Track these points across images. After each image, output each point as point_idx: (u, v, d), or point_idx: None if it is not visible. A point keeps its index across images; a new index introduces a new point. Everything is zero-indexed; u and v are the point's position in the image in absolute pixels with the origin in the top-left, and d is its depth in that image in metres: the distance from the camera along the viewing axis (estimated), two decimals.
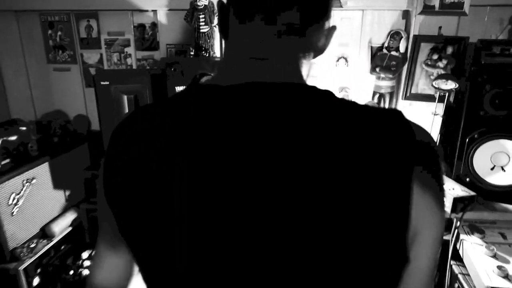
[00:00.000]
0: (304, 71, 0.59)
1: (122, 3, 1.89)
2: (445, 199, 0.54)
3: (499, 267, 1.17)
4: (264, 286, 0.48)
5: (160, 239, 0.51)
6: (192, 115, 0.50)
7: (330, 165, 0.45)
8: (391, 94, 1.75)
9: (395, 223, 0.46)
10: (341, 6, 1.70)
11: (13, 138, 1.46)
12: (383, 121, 0.48)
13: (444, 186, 0.53)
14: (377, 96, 1.78)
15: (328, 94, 0.52)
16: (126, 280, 0.67)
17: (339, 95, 1.62)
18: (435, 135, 1.62)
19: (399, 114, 0.49)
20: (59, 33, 2.04)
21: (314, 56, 0.62)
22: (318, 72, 1.85)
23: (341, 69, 1.84)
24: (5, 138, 1.43)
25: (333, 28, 0.61)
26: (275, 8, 0.53)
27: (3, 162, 1.41)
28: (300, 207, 0.45)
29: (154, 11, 1.92)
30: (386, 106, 1.77)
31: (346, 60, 1.83)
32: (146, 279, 0.59)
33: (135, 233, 0.55)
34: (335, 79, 1.85)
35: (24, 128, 1.52)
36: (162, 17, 1.93)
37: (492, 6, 1.67)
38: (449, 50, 1.52)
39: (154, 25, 1.94)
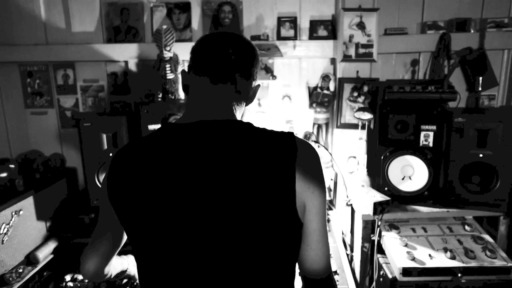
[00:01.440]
0: (238, 112, 0.94)
1: (97, 55, 2.18)
2: (324, 183, 0.86)
3: (408, 252, 1.53)
4: (210, 248, 0.79)
5: (145, 225, 0.83)
6: (164, 144, 0.84)
7: (244, 169, 0.78)
8: (327, 125, 2.15)
9: (287, 200, 0.79)
10: (281, 56, 2.12)
11: (4, 175, 1.66)
12: (279, 138, 0.83)
13: (324, 175, 0.87)
14: (316, 126, 2.17)
15: (248, 124, 0.87)
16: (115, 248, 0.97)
17: (285, 126, 2.00)
18: (363, 155, 2.02)
19: (290, 133, 0.84)
20: (37, 81, 2.28)
21: (246, 104, 0.98)
22: (267, 108, 2.23)
23: (286, 105, 2.23)
24: None
25: (258, 86, 0.97)
26: (217, 74, 0.88)
27: None
28: (228, 198, 0.78)
29: (126, 62, 2.23)
30: (323, 134, 2.16)
31: (290, 98, 2.23)
32: (135, 253, 0.90)
33: (129, 221, 0.86)
34: (281, 114, 2.23)
35: (12, 166, 1.73)
36: (132, 66, 2.24)
37: (397, 54, 2.16)
38: (365, 88, 1.96)
39: (125, 73, 2.25)
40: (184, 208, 0.79)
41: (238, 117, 0.95)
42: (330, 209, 2.12)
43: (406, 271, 1.47)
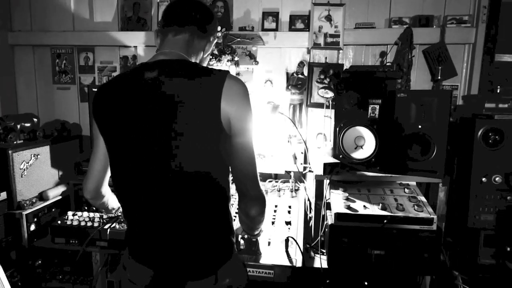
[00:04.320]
0: (194, 58, 1.24)
1: (112, 41, 2.63)
2: (248, 107, 1.10)
3: (345, 203, 1.78)
4: (158, 152, 1.07)
5: (115, 140, 1.13)
6: (131, 78, 1.13)
7: (185, 92, 1.04)
8: (300, 105, 2.45)
9: (214, 113, 1.03)
10: (263, 44, 2.46)
11: (28, 124, 2.10)
12: (216, 72, 1.09)
13: (248, 101, 1.13)
14: (291, 106, 2.48)
15: (194, 63, 1.18)
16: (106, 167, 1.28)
17: (267, 106, 2.32)
18: (329, 131, 2.29)
19: (225, 71, 1.14)
20: (64, 61, 2.75)
21: (204, 54, 1.30)
22: (251, 91, 2.56)
23: (268, 89, 2.56)
24: (22, 124, 2.07)
25: (214, 41, 1.30)
26: (178, 25, 1.21)
27: (19, 141, 2.04)
28: (170, 115, 1.03)
29: (135, 47, 2.66)
30: (298, 113, 2.46)
31: (271, 82, 2.56)
32: (110, 164, 1.20)
33: (109, 138, 1.16)
34: (264, 96, 2.55)
35: (35, 120, 2.17)
36: (140, 51, 2.66)
37: (366, 45, 2.45)
38: (331, 71, 2.25)
39: (134, 56, 2.68)
40: (138, 124, 1.07)
41: (193, 60, 1.23)
42: (302, 181, 2.39)
43: (340, 216, 1.73)
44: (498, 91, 1.90)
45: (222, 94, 1.04)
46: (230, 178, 1.20)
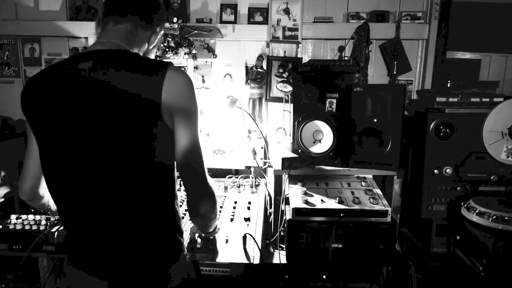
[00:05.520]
0: (136, 49, 1.17)
1: (61, 31, 2.46)
2: (192, 101, 1.06)
3: (303, 198, 1.78)
4: (94, 149, 1.00)
5: (50, 139, 1.04)
6: (64, 69, 1.04)
7: (122, 84, 0.97)
8: (260, 99, 2.42)
9: (154, 107, 0.97)
10: (222, 37, 2.40)
11: None
12: (157, 64, 1.03)
13: (192, 94, 1.08)
14: (251, 100, 2.44)
15: (135, 54, 1.11)
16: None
17: (226, 101, 2.23)
18: (289, 126, 2.28)
19: (168, 62, 1.08)
20: (7, 53, 2.55)
21: (149, 46, 1.23)
22: (210, 85, 2.50)
23: (227, 83, 2.50)
24: None
25: (160, 32, 1.22)
26: (119, 15, 1.12)
27: None
28: (107, 108, 0.97)
29: (86, 38, 2.51)
30: (257, 108, 2.42)
31: (231, 76, 2.50)
32: (41, 161, 1.10)
33: (39, 135, 1.07)
34: (223, 90, 2.49)
35: None
36: (91, 42, 2.50)
37: (325, 40, 2.45)
38: (290, 65, 2.23)
39: (85, 48, 2.52)
40: (71, 118, 1.00)
41: (134, 51, 1.16)
42: (263, 177, 2.37)
43: (297, 211, 1.72)
44: (449, 86, 1.96)
45: (163, 86, 0.98)
46: (176, 174, 1.14)
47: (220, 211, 1.98)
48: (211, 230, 1.40)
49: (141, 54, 1.21)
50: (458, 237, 1.80)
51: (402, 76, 2.45)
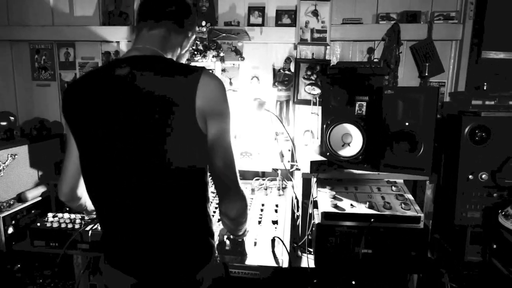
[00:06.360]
0: (170, 54, 1.20)
1: (94, 36, 2.54)
2: (224, 105, 1.08)
3: (332, 202, 1.76)
4: (132, 153, 1.03)
5: (90, 142, 1.08)
6: (103, 74, 1.08)
7: (159, 89, 1.00)
8: (287, 101, 2.41)
9: (189, 112, 1.00)
10: (249, 40, 2.41)
11: (4, 123, 2.01)
12: (191, 69, 1.05)
13: (225, 99, 1.09)
14: (278, 103, 2.44)
15: (170, 60, 1.14)
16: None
17: (254, 103, 2.26)
18: (316, 128, 2.26)
19: (201, 67, 1.10)
20: (43, 57, 2.66)
21: (182, 50, 1.26)
22: (238, 87, 2.51)
23: (254, 85, 2.51)
24: None
25: (192, 36, 1.25)
26: (153, 20, 1.16)
27: None
28: (143, 113, 1.00)
29: (117, 42, 2.58)
30: (285, 110, 2.42)
31: (258, 78, 2.51)
32: (81, 164, 1.14)
33: (80, 139, 1.11)
34: (250, 92, 2.50)
35: (12, 118, 2.08)
36: (123, 46, 2.58)
37: (354, 41, 2.42)
38: (318, 68, 2.22)
39: (117, 52, 2.59)
40: (109, 123, 1.03)
41: (169, 57, 1.19)
42: (290, 179, 2.36)
43: (327, 215, 1.70)
44: (485, 88, 1.89)
45: (197, 91, 1.00)
46: (209, 178, 1.16)
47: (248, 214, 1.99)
48: (240, 233, 1.41)
49: (174, 58, 1.24)
50: (494, 246, 1.73)
51: (434, 78, 2.38)
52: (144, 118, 1.00)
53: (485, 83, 1.90)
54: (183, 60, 1.34)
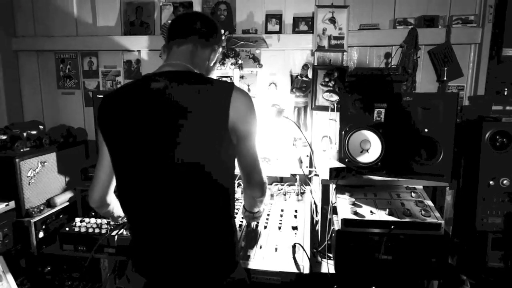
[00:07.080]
0: (198, 68, 1.25)
1: (116, 45, 2.63)
2: (253, 117, 1.17)
3: (352, 209, 1.78)
4: (166, 156, 1.08)
5: (124, 151, 1.14)
6: (136, 88, 1.15)
7: (192, 103, 1.06)
8: (305, 108, 2.44)
9: (222, 122, 1.07)
10: (267, 47, 2.45)
11: (34, 132, 2.11)
12: (223, 83, 1.13)
13: (253, 112, 1.17)
14: (296, 109, 2.47)
15: (200, 75, 1.19)
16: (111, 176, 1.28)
17: (272, 109, 2.31)
18: (334, 134, 2.28)
19: (231, 83, 1.16)
20: (68, 66, 2.76)
21: (209, 64, 1.31)
22: (256, 93, 2.56)
23: (272, 91, 2.55)
24: (29, 131, 2.08)
25: (218, 51, 1.32)
26: (182, 37, 1.22)
27: (26, 148, 2.05)
28: (177, 127, 1.06)
29: (139, 51, 2.66)
30: (302, 116, 2.45)
31: (276, 85, 2.55)
32: (115, 173, 1.21)
33: (113, 148, 1.17)
34: (268, 98, 2.54)
35: (42, 127, 2.17)
36: (144, 55, 2.66)
37: (371, 47, 2.43)
38: (335, 74, 2.24)
39: (138, 61, 2.67)
40: (144, 133, 1.09)
41: (198, 69, 1.24)
42: (308, 184, 2.39)
43: (346, 222, 1.73)
44: (506, 93, 1.88)
45: (230, 104, 1.08)
46: (236, 183, 1.26)
47: (268, 219, 2.03)
48: (256, 210, 1.66)
49: (204, 71, 1.30)
50: None
51: (453, 81, 2.37)
52: (178, 128, 1.06)
53: (506, 88, 1.89)
54: (213, 73, 1.39)
